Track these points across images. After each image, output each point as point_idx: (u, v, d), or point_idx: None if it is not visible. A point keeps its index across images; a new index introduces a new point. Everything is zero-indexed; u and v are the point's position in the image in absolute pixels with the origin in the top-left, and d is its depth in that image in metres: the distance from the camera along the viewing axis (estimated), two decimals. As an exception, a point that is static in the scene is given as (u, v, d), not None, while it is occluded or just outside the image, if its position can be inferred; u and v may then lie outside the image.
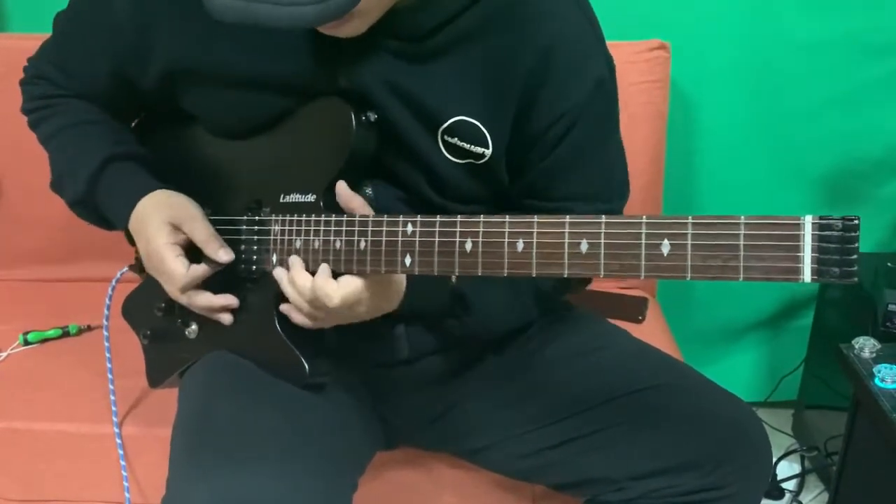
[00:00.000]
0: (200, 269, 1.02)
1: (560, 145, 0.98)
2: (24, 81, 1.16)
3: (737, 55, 1.70)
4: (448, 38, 0.94)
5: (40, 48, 1.14)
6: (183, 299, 1.04)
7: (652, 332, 1.53)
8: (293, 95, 0.99)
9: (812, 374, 1.86)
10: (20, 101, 1.16)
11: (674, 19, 1.66)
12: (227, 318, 1.06)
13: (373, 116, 0.96)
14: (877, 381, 1.27)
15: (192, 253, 1.03)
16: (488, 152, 0.98)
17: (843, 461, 1.45)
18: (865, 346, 1.35)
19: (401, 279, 0.97)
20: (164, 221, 1.02)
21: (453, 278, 1.00)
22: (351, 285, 0.91)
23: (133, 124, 1.18)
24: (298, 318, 0.98)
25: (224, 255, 1.02)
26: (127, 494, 1.20)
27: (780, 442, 1.88)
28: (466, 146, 0.97)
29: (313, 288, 0.92)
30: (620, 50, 1.52)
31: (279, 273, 0.98)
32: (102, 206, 1.08)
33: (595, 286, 1.17)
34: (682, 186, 1.79)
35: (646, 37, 1.59)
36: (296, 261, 0.96)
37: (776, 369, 1.95)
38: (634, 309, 1.60)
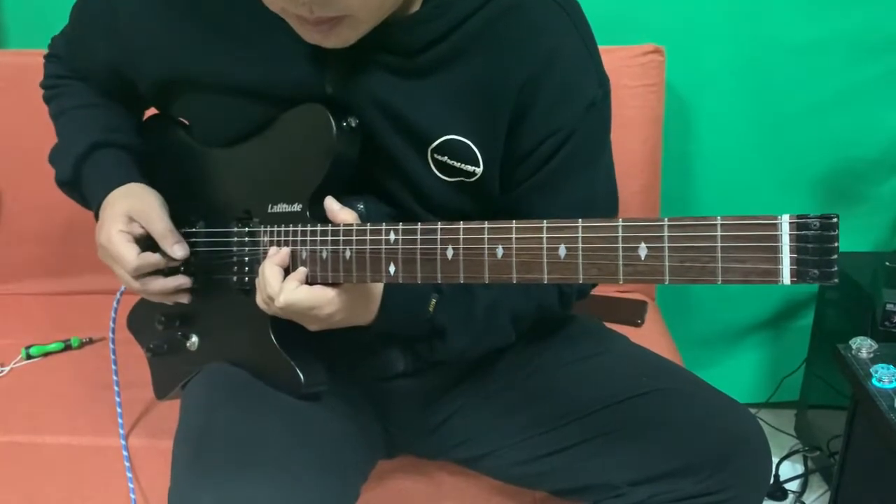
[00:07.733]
0: (153, 258, 1.04)
1: (545, 166, 0.97)
2: (45, 55, 1.20)
3: (731, 58, 1.70)
4: (441, 54, 0.93)
5: (63, 28, 1.18)
6: (136, 286, 1.06)
7: (651, 335, 1.53)
8: (283, 106, 0.99)
9: (813, 373, 1.86)
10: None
11: (668, 23, 1.67)
12: (184, 299, 1.08)
13: (353, 122, 0.95)
14: (874, 381, 1.28)
15: (153, 248, 1.05)
16: (479, 171, 0.97)
17: (843, 461, 1.45)
18: (863, 346, 1.35)
19: (376, 295, 0.97)
20: (122, 212, 1.04)
21: (431, 308, 1.00)
22: (300, 293, 0.91)
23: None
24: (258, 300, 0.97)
25: (179, 251, 1.04)
26: (133, 507, 1.21)
27: (782, 442, 1.89)
28: (457, 164, 0.97)
29: (265, 283, 0.93)
30: (615, 54, 1.55)
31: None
32: (84, 189, 1.10)
33: (593, 290, 1.16)
34: (679, 190, 1.79)
35: (641, 41, 1.60)
36: (278, 257, 0.95)
37: (777, 370, 1.95)
38: (633, 313, 1.60)
